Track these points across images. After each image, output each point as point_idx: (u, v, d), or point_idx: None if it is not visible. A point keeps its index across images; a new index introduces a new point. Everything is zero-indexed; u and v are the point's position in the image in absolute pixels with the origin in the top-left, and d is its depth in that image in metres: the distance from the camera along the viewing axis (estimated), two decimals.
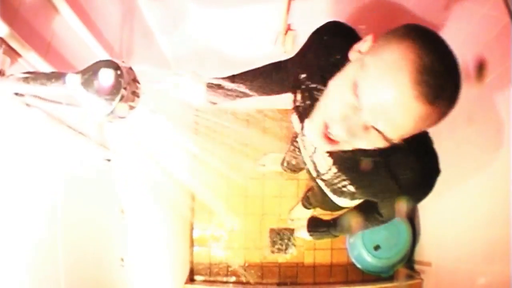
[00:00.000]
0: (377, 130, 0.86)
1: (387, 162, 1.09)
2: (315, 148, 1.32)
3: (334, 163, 1.25)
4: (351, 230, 1.67)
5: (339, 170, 1.25)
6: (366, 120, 0.85)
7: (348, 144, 0.95)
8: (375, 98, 0.81)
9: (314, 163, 1.39)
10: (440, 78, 0.78)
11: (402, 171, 1.09)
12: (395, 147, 0.94)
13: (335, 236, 1.81)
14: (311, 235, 1.89)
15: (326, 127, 0.94)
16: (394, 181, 1.11)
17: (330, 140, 0.96)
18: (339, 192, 1.37)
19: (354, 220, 1.58)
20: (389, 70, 0.79)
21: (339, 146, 0.97)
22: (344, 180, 1.27)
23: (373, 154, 1.02)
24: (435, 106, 0.79)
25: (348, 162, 1.20)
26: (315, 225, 1.89)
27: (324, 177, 1.37)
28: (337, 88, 0.93)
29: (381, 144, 0.90)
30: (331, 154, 1.22)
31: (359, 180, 1.23)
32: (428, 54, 0.78)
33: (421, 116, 0.80)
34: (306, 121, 1.07)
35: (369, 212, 1.49)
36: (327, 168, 1.29)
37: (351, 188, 1.28)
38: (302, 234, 1.94)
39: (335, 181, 1.31)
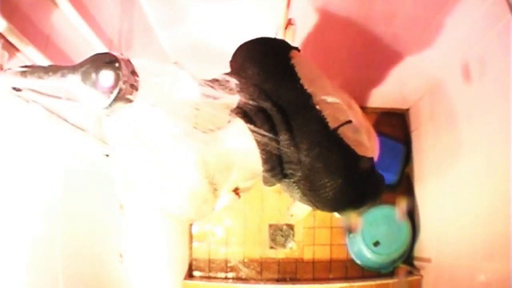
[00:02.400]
0: None
1: (297, 183, 1.09)
2: None
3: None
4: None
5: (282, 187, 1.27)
6: None
7: None
8: None
9: None
10: None
11: (307, 189, 1.08)
12: (300, 171, 1.01)
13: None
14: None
15: None
16: (305, 197, 1.11)
17: None
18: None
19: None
20: None
21: None
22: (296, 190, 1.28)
23: (278, 176, 1.08)
24: None
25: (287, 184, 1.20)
26: None
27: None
28: None
29: None
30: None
31: (290, 194, 1.24)
32: None
33: None
34: None
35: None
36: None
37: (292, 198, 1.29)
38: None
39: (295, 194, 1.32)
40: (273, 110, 1.03)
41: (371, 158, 1.13)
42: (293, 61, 1.14)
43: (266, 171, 1.06)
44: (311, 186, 1.06)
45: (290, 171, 1.06)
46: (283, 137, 1.01)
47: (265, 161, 1.03)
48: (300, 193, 1.11)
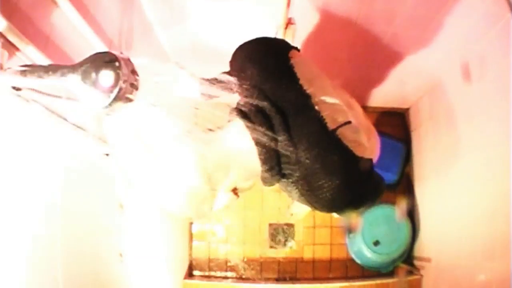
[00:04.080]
0: None
1: (295, 185, 1.10)
2: None
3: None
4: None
5: (289, 185, 1.27)
6: None
7: None
8: None
9: None
10: None
11: (308, 192, 1.08)
12: (299, 171, 1.01)
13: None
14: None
15: None
16: (303, 198, 1.12)
17: None
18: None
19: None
20: None
21: None
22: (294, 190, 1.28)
23: (277, 176, 1.08)
24: None
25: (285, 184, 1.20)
26: None
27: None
28: None
29: None
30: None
31: (288, 194, 1.24)
32: None
33: None
34: None
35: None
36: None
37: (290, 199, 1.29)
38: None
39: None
40: (272, 111, 1.03)
41: (370, 160, 1.13)
42: (292, 61, 1.14)
43: (265, 171, 1.06)
44: (309, 187, 1.06)
45: (289, 171, 1.06)
46: (282, 137, 1.02)
47: (264, 161, 1.03)
48: (298, 193, 1.11)
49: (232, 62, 1.23)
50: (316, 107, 1.08)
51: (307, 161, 1.02)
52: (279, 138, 1.02)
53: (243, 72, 1.12)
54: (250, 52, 1.19)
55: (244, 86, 1.06)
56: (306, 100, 1.09)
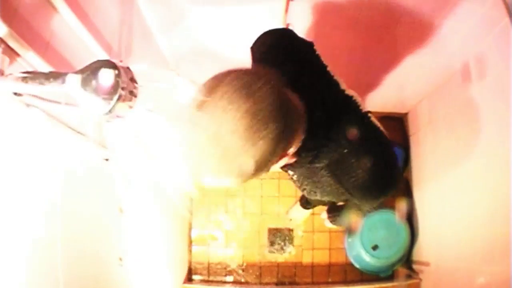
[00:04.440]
0: None
1: (328, 168, 1.09)
2: None
3: (293, 171, 1.26)
4: (351, 220, 1.67)
5: (298, 178, 1.27)
6: None
7: None
8: None
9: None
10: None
11: (344, 174, 1.08)
12: (333, 151, 0.99)
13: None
14: (331, 221, 1.90)
15: None
16: (339, 184, 1.11)
17: None
18: (310, 194, 1.37)
19: (350, 212, 1.60)
20: None
21: None
22: (305, 185, 1.28)
23: (313, 161, 1.06)
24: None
25: (300, 170, 1.21)
26: (333, 211, 1.89)
27: (294, 181, 1.37)
28: None
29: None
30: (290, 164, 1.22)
31: (314, 186, 1.24)
32: None
33: None
34: None
35: (354, 204, 1.49)
36: (291, 174, 1.31)
37: (312, 192, 1.29)
38: (326, 224, 1.95)
39: (301, 186, 1.32)
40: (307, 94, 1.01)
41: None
42: (317, 52, 1.18)
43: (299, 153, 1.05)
44: (344, 169, 1.07)
45: (323, 153, 1.06)
46: (318, 115, 1.00)
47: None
48: (330, 180, 1.11)
49: (260, 53, 1.26)
50: (346, 92, 1.11)
51: (343, 141, 1.02)
52: (316, 115, 0.99)
53: (279, 67, 1.14)
54: (285, 48, 1.22)
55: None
56: (336, 85, 1.13)
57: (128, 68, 0.74)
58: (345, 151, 1.03)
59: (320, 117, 1.00)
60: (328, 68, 1.14)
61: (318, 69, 1.16)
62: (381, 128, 1.14)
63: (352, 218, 1.61)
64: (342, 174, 1.08)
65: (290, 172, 1.30)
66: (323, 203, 2.11)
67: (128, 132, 0.83)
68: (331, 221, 1.91)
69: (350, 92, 1.14)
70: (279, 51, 1.19)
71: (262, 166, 0.82)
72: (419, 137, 2.85)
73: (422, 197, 2.78)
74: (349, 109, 1.10)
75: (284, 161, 1.01)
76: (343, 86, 1.14)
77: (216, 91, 0.76)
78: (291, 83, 0.91)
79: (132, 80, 0.73)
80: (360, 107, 1.11)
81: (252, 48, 1.29)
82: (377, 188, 1.12)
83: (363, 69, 2.45)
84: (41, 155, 1.07)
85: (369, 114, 1.12)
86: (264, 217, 3.02)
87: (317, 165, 1.10)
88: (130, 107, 0.73)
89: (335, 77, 1.14)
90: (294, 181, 1.38)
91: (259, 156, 0.78)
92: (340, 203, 1.85)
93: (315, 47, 1.22)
